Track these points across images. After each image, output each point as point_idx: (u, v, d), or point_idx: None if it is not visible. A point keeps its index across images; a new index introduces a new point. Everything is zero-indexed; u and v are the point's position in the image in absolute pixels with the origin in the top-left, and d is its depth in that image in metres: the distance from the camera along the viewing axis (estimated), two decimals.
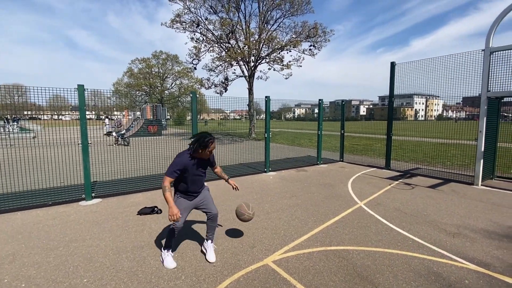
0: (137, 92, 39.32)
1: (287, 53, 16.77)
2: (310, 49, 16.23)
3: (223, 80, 17.36)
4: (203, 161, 2.88)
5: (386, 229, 3.83)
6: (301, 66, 16.53)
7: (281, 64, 16.47)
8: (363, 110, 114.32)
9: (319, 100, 8.60)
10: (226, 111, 12.51)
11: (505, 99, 7.01)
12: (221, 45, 16.96)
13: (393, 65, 7.64)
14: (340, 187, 6.15)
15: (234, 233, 3.72)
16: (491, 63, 6.03)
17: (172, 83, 42.24)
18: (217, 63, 17.24)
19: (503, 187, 6.14)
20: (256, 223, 4.07)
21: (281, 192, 5.73)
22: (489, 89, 6.06)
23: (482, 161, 6.15)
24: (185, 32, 16.80)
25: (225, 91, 17.46)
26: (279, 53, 16.66)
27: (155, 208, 4.53)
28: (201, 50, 17.10)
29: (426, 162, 9.39)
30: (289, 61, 16.55)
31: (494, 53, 6.03)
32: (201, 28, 16.69)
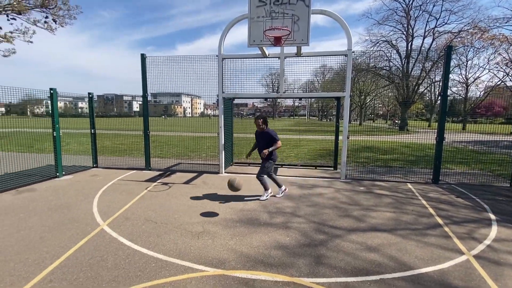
0: None
1: (8, 20, 11.53)
2: (45, 22, 12.16)
3: None
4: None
5: (127, 256, 3.04)
6: (31, 41, 11.97)
7: None
8: (136, 106, 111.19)
9: (51, 90, 6.28)
10: None
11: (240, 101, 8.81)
12: None
13: (143, 57, 7.06)
14: (81, 206, 4.64)
15: None
16: (224, 68, 7.04)
17: None
18: None
19: (238, 171, 7.55)
20: None
21: None
22: (223, 90, 7.08)
23: (223, 152, 7.16)
24: None
25: None
26: None
27: None
28: None
29: (187, 156, 9.98)
30: (10, 32, 11.45)
31: (225, 60, 7.06)
32: None
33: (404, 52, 26.90)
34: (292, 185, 6.10)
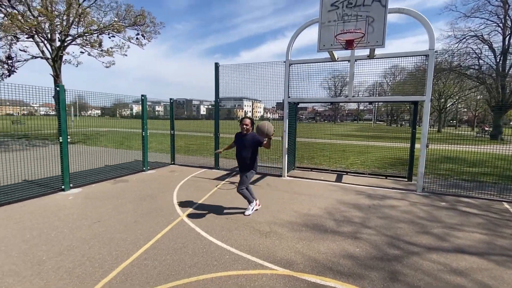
0: None
1: (109, 37, 13.98)
2: (137, 38, 14.31)
3: (5, 60, 11.99)
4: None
5: (204, 245, 3.37)
6: (126, 55, 14.24)
7: (100, 49, 13.50)
8: (203, 110, 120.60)
9: (142, 96, 7.37)
10: (34, 105, 8.79)
11: (300, 104, 8.81)
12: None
13: (217, 66, 7.68)
14: (164, 197, 5.31)
15: None
16: (290, 73, 7.15)
17: None
18: None
19: (300, 175, 7.54)
20: None
21: (79, 220, 4.15)
22: (289, 95, 7.18)
23: (286, 155, 7.26)
24: None
25: (9, 75, 12.14)
26: (98, 35, 13.59)
27: None
28: None
29: None
30: (111, 47, 13.85)
31: (292, 65, 7.17)
32: None
33: (500, 48, 22.79)
34: (359, 194, 5.81)
